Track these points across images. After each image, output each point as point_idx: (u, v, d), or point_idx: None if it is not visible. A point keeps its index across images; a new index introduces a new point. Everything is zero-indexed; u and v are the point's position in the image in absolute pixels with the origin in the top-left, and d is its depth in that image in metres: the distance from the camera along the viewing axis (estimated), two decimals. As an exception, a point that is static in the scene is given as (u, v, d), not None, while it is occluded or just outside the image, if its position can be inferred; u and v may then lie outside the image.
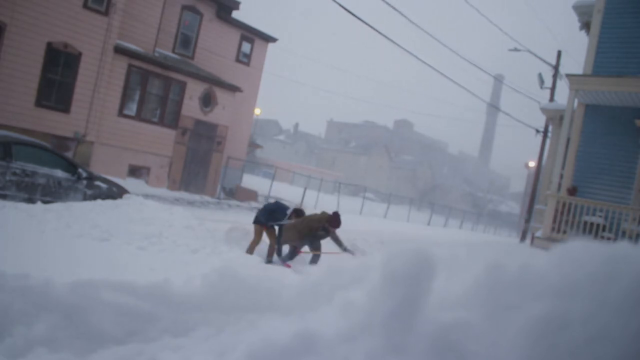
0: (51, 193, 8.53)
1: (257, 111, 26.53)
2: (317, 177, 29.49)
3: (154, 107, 16.53)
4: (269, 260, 7.92)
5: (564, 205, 9.47)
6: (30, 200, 8.17)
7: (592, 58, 10.74)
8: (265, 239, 8.29)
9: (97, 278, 2.82)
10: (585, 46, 11.13)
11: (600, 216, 9.25)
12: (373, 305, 1.74)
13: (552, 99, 19.53)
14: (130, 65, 15.57)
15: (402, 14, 12.72)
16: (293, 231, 8.18)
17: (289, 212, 8.24)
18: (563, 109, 11.25)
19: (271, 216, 8.21)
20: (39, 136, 12.47)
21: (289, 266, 7.79)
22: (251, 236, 8.56)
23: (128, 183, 14.19)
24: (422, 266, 1.72)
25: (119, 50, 15.13)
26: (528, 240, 15.18)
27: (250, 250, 8.10)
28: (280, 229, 8.30)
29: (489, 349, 1.54)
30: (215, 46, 19.19)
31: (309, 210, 10.02)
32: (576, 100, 10.16)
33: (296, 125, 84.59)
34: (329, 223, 8.19)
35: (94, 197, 8.86)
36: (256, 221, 8.25)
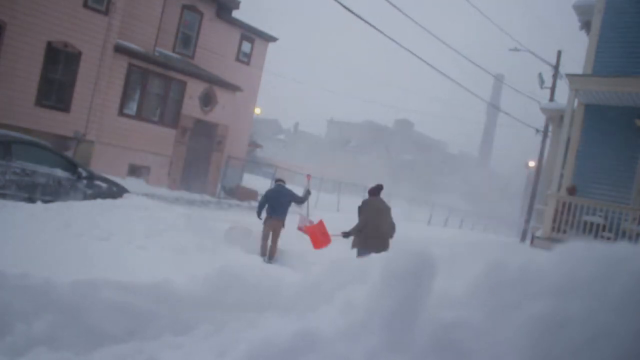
0: (51, 192, 8.53)
1: (257, 110, 26.50)
2: (317, 176, 29.49)
3: (154, 106, 16.53)
4: (269, 261, 7.90)
5: (564, 205, 9.46)
6: (30, 200, 8.16)
7: (592, 58, 10.74)
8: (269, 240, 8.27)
9: (97, 277, 2.83)
10: (585, 46, 11.13)
11: (600, 216, 9.25)
12: (373, 304, 1.74)
13: (552, 98, 19.54)
14: (130, 65, 15.56)
15: (401, 11, 12.72)
16: None
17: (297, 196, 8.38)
18: (563, 108, 11.25)
19: (283, 206, 8.23)
20: (39, 135, 12.46)
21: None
22: (251, 235, 8.56)
23: (128, 182, 14.18)
24: (423, 265, 1.72)
25: (119, 50, 15.13)
26: (528, 240, 15.18)
27: (264, 251, 8.08)
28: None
29: (489, 347, 1.54)
30: (215, 45, 19.18)
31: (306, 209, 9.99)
32: (576, 100, 10.16)
33: (296, 125, 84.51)
34: None
35: (94, 197, 8.86)
36: (270, 214, 8.25)
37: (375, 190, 7.63)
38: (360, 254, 7.38)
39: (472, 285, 1.80)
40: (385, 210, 7.50)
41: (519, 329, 1.52)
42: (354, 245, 7.41)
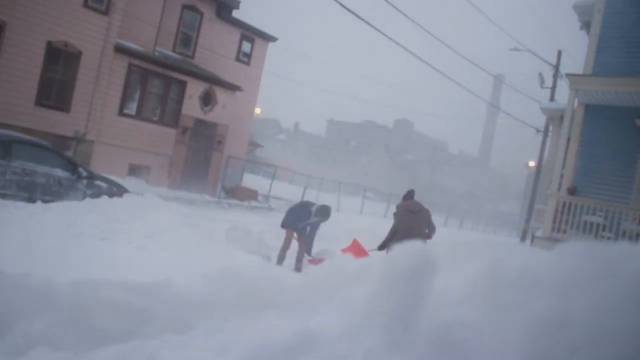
0: (51, 192, 8.53)
1: (257, 110, 26.52)
2: (317, 176, 29.48)
3: (154, 106, 16.53)
4: (297, 267, 7.71)
5: (564, 204, 9.47)
6: (30, 200, 8.16)
7: (593, 58, 10.74)
8: (295, 245, 8.19)
9: (97, 277, 2.83)
10: (585, 46, 11.14)
11: (600, 216, 9.25)
12: (374, 303, 1.74)
13: (552, 98, 19.55)
14: (130, 64, 15.56)
15: (400, 12, 12.72)
16: None
17: (314, 209, 8.12)
18: (563, 108, 11.25)
19: (297, 217, 8.12)
20: (39, 135, 12.45)
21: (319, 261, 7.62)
22: (252, 235, 8.56)
23: (128, 182, 14.17)
24: (423, 265, 1.72)
25: (119, 49, 15.12)
26: (528, 240, 15.18)
27: (282, 254, 8.01)
28: (311, 230, 8.22)
29: (489, 347, 1.54)
30: (215, 45, 19.18)
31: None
32: (576, 100, 10.15)
33: (296, 125, 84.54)
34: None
35: (94, 196, 8.85)
36: (283, 225, 8.16)
37: (407, 195, 7.61)
38: None
39: (472, 285, 1.81)
40: (418, 212, 7.28)
41: (519, 329, 1.52)
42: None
